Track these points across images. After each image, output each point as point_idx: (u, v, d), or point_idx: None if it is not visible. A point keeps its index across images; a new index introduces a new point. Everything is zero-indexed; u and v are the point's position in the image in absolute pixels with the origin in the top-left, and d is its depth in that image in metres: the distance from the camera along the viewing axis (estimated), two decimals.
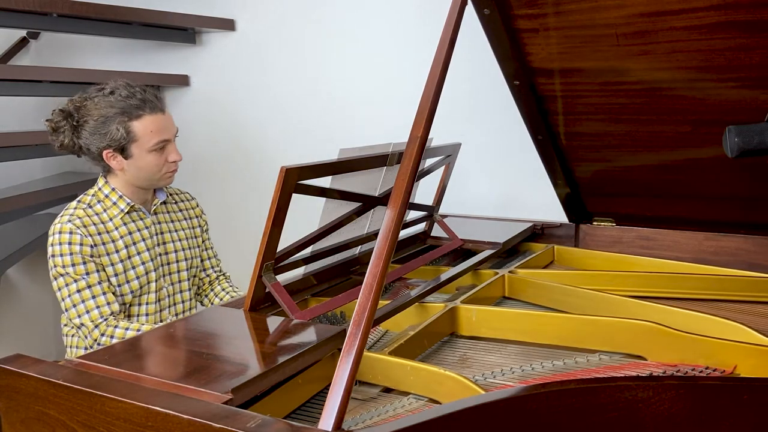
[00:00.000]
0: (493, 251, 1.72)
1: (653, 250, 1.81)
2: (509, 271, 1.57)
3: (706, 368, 1.10)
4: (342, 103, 2.60)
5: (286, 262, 1.32)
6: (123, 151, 1.66)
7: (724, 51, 1.31)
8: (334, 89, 2.61)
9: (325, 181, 1.34)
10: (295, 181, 1.21)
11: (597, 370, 1.12)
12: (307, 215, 1.50)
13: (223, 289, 1.94)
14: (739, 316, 1.37)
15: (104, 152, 1.66)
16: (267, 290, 1.25)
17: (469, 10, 1.30)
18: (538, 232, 1.97)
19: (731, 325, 1.19)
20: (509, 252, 1.88)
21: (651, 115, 1.52)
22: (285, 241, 1.28)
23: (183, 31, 2.84)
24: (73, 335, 1.77)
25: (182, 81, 2.92)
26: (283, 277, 1.35)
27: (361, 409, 1.03)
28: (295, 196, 1.23)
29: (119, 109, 1.63)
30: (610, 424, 0.86)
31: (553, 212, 1.98)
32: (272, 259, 1.25)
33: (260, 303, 1.26)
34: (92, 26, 2.56)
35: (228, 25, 2.79)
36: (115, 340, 1.57)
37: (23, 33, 3.27)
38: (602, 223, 1.90)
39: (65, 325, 1.79)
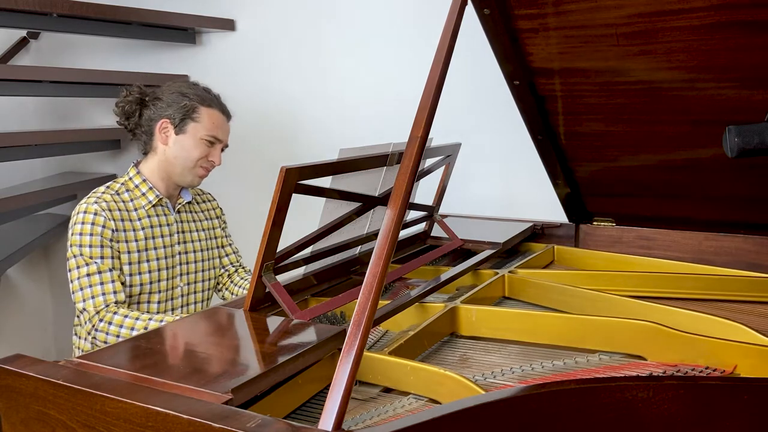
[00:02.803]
0: (493, 251, 1.72)
1: (653, 250, 1.81)
2: (509, 271, 1.57)
3: (706, 368, 1.10)
4: (342, 103, 2.60)
5: (286, 262, 1.32)
6: (178, 125, 1.75)
7: (724, 51, 1.31)
8: (334, 89, 2.61)
9: (325, 181, 1.34)
10: (295, 181, 1.21)
11: (597, 370, 1.12)
12: (307, 215, 1.50)
13: (242, 278, 1.96)
14: (739, 316, 1.37)
15: (161, 121, 1.75)
16: (267, 290, 1.25)
17: (469, 10, 1.30)
18: (538, 232, 1.98)
19: (731, 325, 1.19)
20: (509, 252, 1.88)
21: (651, 115, 1.52)
22: (285, 241, 1.28)
23: (183, 31, 2.84)
24: (80, 325, 1.77)
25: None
26: (283, 277, 1.35)
27: (361, 409, 1.03)
28: (295, 196, 1.23)
29: (197, 93, 1.79)
30: (609, 424, 0.86)
31: (553, 212, 1.98)
32: (272, 259, 1.25)
33: (260, 303, 1.26)
34: (92, 26, 2.56)
35: (228, 25, 2.79)
36: (112, 327, 1.59)
37: (23, 33, 3.27)
38: (602, 223, 1.90)
39: (77, 325, 1.78)
